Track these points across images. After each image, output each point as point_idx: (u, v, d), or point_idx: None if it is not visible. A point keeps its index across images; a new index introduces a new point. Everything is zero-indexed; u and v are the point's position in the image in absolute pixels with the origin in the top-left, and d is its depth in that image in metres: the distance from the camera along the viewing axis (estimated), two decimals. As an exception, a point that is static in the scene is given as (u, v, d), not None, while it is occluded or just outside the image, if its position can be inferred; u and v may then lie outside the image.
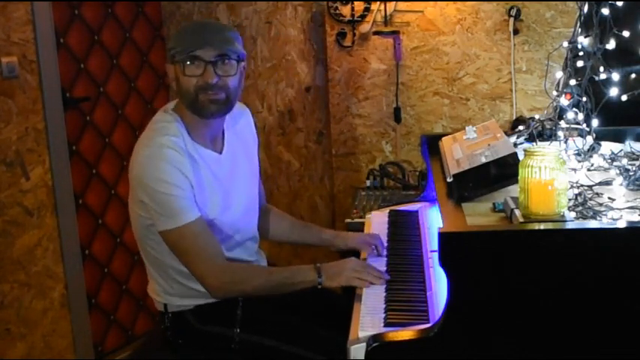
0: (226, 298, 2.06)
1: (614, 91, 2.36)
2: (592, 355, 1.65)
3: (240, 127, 2.21)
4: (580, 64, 2.45)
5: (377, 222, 2.55)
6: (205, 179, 2.03)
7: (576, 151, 2.39)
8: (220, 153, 2.11)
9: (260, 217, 2.29)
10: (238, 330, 2.07)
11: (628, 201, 1.90)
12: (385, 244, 2.31)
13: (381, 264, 2.17)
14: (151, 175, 1.95)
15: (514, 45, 3.60)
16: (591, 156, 2.33)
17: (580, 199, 1.89)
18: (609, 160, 2.31)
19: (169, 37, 2.05)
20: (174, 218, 1.96)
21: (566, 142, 2.42)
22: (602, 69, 2.39)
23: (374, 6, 3.68)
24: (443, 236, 1.66)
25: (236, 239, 2.15)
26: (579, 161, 2.32)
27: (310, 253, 3.75)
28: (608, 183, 2.07)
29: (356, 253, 2.32)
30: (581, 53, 2.47)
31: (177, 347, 2.14)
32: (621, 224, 1.72)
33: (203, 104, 1.99)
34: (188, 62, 1.97)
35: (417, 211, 2.60)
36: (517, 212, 1.76)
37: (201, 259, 1.99)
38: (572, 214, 1.78)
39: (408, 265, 2.15)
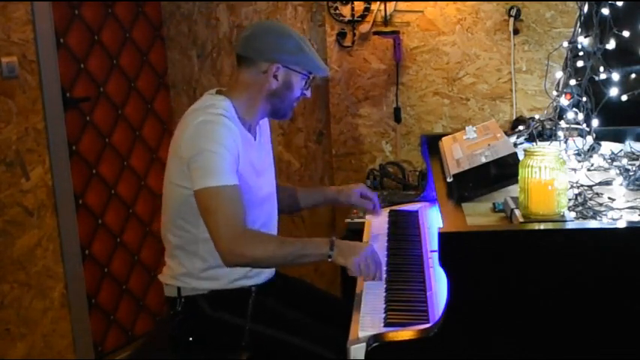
0: (237, 264, 2.05)
1: (614, 91, 2.36)
2: (592, 355, 1.65)
3: (265, 130, 2.35)
4: (580, 64, 2.45)
5: (377, 222, 2.55)
6: (247, 153, 2.13)
7: (576, 151, 2.39)
8: (254, 140, 2.22)
9: (280, 196, 2.39)
10: (249, 320, 2.11)
11: (628, 201, 1.90)
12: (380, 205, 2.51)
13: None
14: (206, 135, 2.04)
15: (514, 45, 3.60)
16: (591, 156, 2.33)
17: (580, 199, 1.88)
18: (609, 160, 2.31)
19: (266, 38, 2.15)
20: (215, 177, 2.01)
21: (566, 142, 2.42)
22: (602, 69, 2.38)
23: (374, 6, 3.68)
24: (443, 236, 1.66)
25: (260, 222, 2.20)
26: (579, 161, 2.32)
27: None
28: (608, 183, 2.07)
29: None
30: (581, 53, 2.47)
31: (181, 340, 2.16)
32: (621, 224, 1.72)
33: (290, 110, 2.24)
34: (307, 77, 2.19)
35: (417, 211, 2.60)
36: (517, 212, 1.76)
37: (224, 221, 2.00)
38: (572, 214, 1.78)
39: (408, 265, 2.15)
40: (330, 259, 2.03)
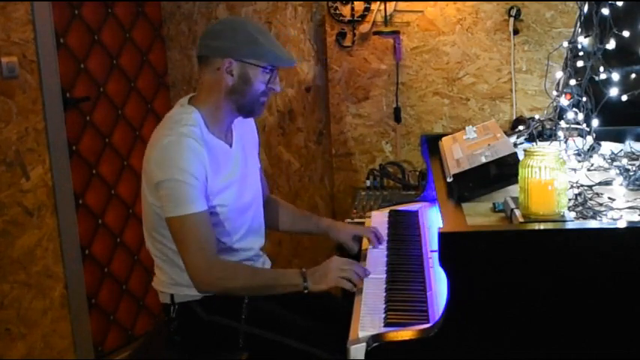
0: (209, 292, 2.09)
1: (614, 91, 2.36)
2: (592, 355, 1.65)
3: (247, 128, 2.30)
4: (580, 64, 2.45)
5: (377, 222, 2.55)
6: (220, 167, 2.10)
7: (576, 151, 2.38)
8: (230, 147, 2.18)
9: (269, 209, 2.38)
10: (244, 323, 2.10)
11: (628, 201, 1.90)
12: (385, 237, 2.36)
13: (381, 264, 2.17)
14: (171, 162, 2.01)
15: (514, 45, 3.60)
16: (591, 156, 2.33)
17: (580, 199, 1.88)
18: (609, 160, 2.31)
19: (226, 33, 2.09)
20: (183, 206, 2.01)
21: (566, 142, 2.42)
22: (602, 69, 2.38)
23: (374, 6, 3.68)
24: (443, 236, 1.65)
25: (245, 229, 2.20)
26: (579, 161, 2.32)
27: (309, 253, 3.76)
28: (608, 183, 2.07)
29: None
30: (581, 53, 2.47)
31: (179, 341, 2.15)
32: (621, 224, 1.72)
33: (260, 106, 2.14)
34: (268, 70, 2.10)
35: (417, 211, 2.60)
36: (517, 212, 1.76)
37: (195, 249, 2.02)
38: (572, 214, 1.78)
39: (408, 265, 2.15)
40: (306, 291, 2.07)
